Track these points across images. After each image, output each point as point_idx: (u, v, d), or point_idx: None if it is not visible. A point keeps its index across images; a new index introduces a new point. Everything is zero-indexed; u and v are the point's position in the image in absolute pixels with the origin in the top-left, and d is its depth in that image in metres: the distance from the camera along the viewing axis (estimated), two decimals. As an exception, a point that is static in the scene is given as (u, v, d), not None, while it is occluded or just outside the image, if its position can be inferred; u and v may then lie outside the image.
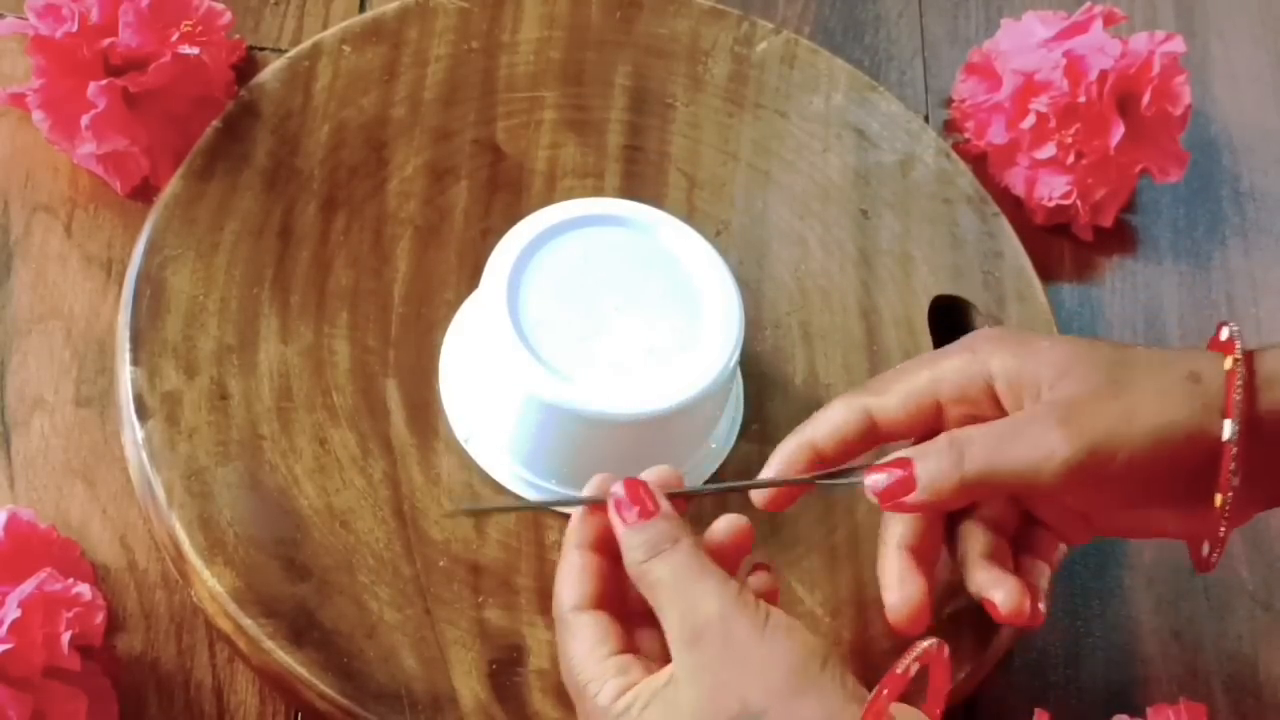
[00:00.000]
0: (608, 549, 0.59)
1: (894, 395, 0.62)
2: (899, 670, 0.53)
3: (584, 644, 0.57)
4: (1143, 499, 0.60)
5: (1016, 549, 0.64)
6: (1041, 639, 0.73)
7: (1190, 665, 0.73)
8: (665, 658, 0.56)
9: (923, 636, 0.54)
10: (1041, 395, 0.60)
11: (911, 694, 0.54)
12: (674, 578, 0.56)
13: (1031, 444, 0.58)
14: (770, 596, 0.59)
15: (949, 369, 0.61)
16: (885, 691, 0.53)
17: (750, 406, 0.72)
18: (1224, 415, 0.58)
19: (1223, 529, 0.60)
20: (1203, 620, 0.74)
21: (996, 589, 0.62)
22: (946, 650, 0.55)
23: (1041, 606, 0.63)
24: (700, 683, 0.54)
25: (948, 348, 0.63)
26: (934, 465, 0.59)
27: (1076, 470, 0.58)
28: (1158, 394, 0.59)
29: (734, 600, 0.55)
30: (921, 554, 0.63)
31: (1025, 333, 0.63)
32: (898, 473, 0.60)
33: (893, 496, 0.60)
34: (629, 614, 0.59)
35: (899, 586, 0.62)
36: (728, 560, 0.59)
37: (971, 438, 0.59)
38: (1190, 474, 0.59)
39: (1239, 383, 0.58)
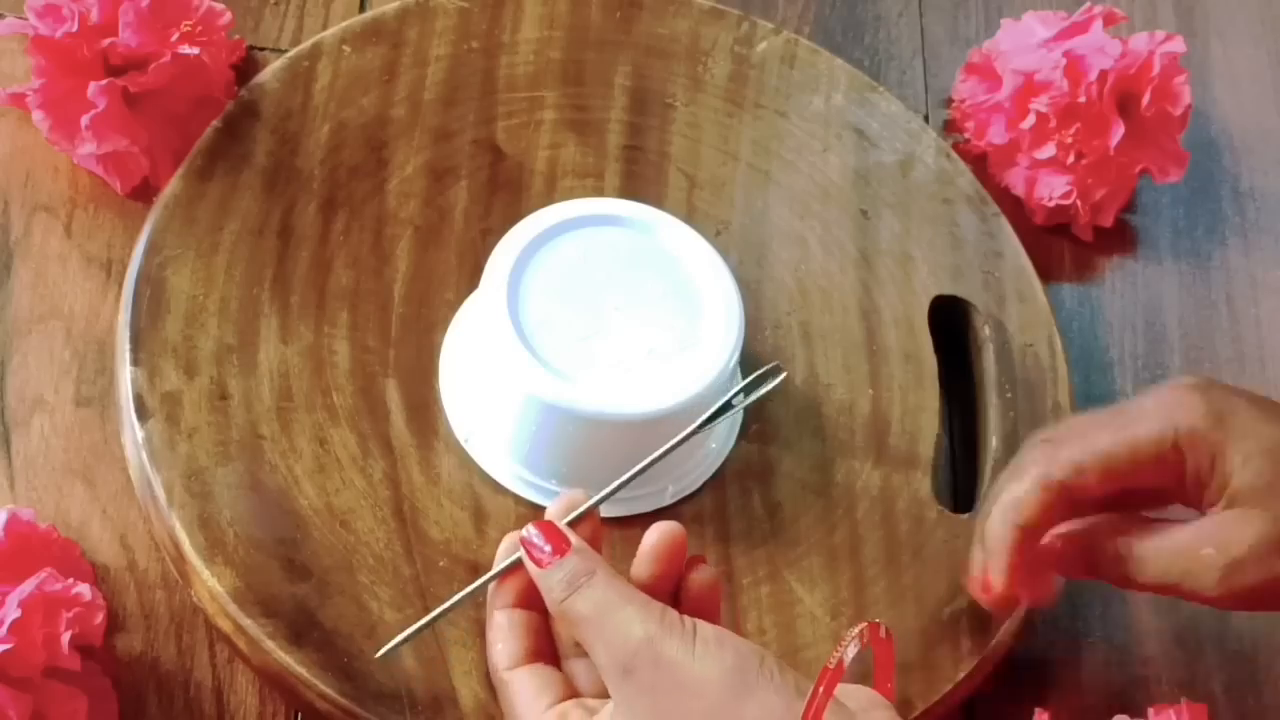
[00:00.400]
0: (529, 602, 0.60)
1: (1094, 475, 0.62)
2: (830, 665, 0.53)
3: (524, 701, 0.58)
4: None
5: None
6: (1041, 639, 0.73)
7: (1190, 666, 0.73)
8: (605, 689, 0.57)
9: (852, 625, 0.56)
10: (1218, 502, 0.61)
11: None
12: (596, 610, 0.57)
13: (1196, 583, 0.60)
14: (710, 592, 0.60)
15: (1146, 446, 0.61)
16: (822, 689, 0.53)
17: (750, 407, 0.72)
18: None
19: None
20: (1203, 620, 0.74)
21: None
22: (883, 628, 0.56)
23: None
24: (639, 713, 0.55)
25: (1138, 409, 0.62)
26: (1105, 569, 0.62)
27: (1234, 604, 0.61)
28: None
29: (658, 623, 0.55)
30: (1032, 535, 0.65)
31: (1225, 418, 0.61)
32: (1074, 547, 0.63)
33: (1066, 571, 0.64)
34: (564, 655, 0.60)
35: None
36: (667, 568, 0.60)
37: (1139, 560, 0.62)
38: None
39: None
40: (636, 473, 0.63)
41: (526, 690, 0.59)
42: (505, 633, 0.60)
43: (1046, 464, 0.62)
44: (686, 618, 0.56)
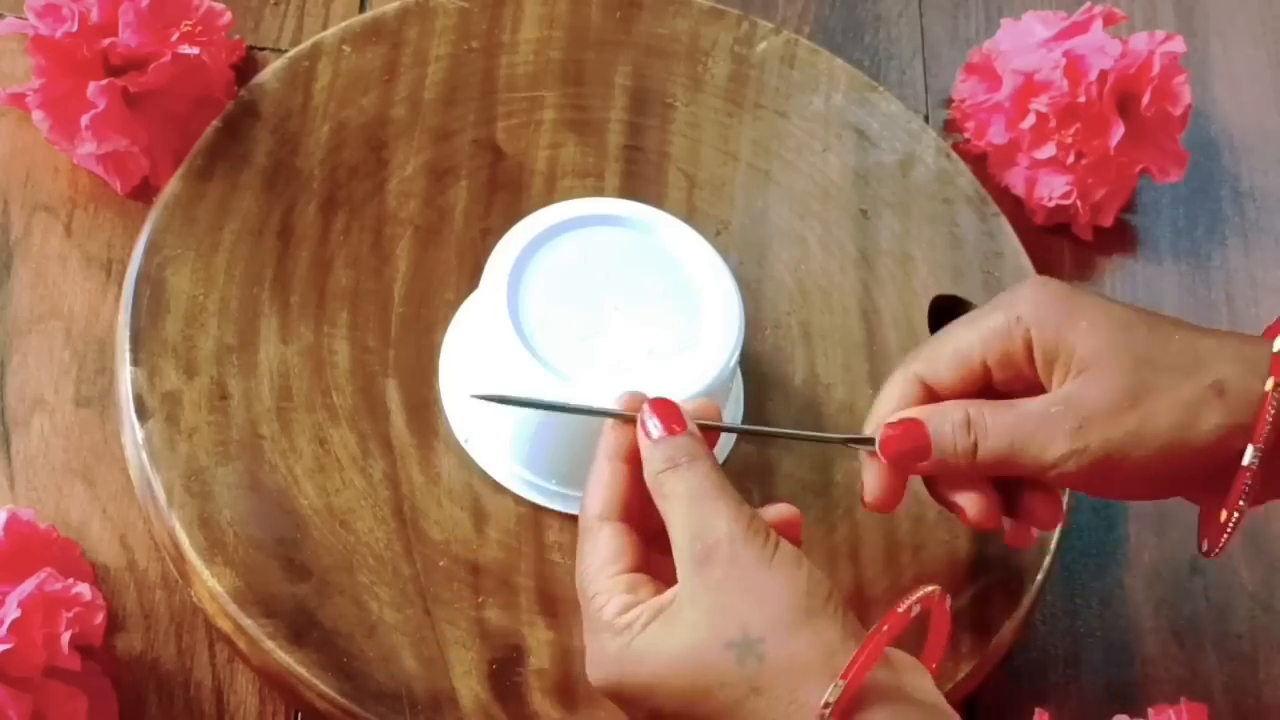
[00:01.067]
0: (638, 463, 0.59)
1: (943, 363, 0.63)
2: (900, 609, 0.54)
3: (600, 556, 0.57)
4: (1151, 493, 0.63)
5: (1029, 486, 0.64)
6: (1041, 639, 0.73)
7: (1190, 665, 0.73)
8: (675, 582, 0.57)
9: (927, 583, 0.56)
10: (1067, 377, 0.60)
11: (912, 647, 0.56)
12: (688, 494, 0.57)
13: (1043, 446, 0.60)
14: (790, 529, 0.59)
15: (992, 332, 0.62)
16: (886, 628, 0.53)
17: (750, 406, 0.72)
18: (1249, 438, 0.58)
19: (1224, 539, 0.60)
20: (1203, 620, 0.74)
21: (962, 496, 0.62)
22: (949, 600, 0.57)
23: (1036, 533, 0.64)
24: (702, 604, 0.55)
25: (992, 303, 0.63)
26: (950, 442, 0.61)
27: (1084, 475, 0.60)
28: (1176, 405, 0.59)
29: (745, 526, 0.56)
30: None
31: (1070, 298, 0.62)
32: (912, 434, 0.61)
33: (904, 460, 0.62)
34: (650, 533, 0.59)
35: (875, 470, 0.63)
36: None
37: (988, 427, 0.61)
38: (1202, 478, 0.60)
39: (1273, 410, 0.58)
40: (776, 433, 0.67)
41: (605, 548, 0.58)
42: (604, 481, 0.59)
43: (903, 366, 0.63)
44: (773, 532, 0.56)
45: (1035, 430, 0.60)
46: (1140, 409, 0.59)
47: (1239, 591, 0.75)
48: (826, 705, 0.52)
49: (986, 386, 0.63)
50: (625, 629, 0.55)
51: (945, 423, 0.61)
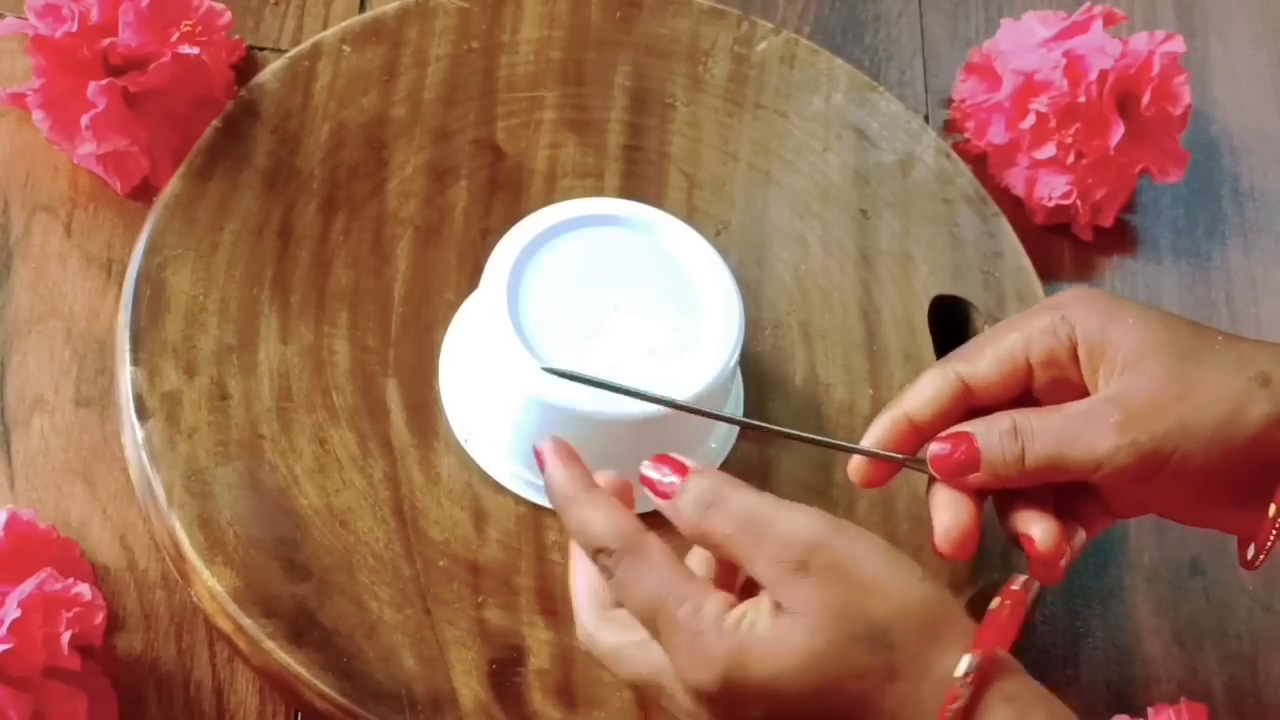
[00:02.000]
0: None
1: (985, 360, 0.62)
2: (1015, 587, 0.55)
3: (667, 566, 0.55)
4: (1197, 497, 0.61)
5: (1061, 509, 0.63)
6: (1041, 639, 0.73)
7: (1190, 665, 0.73)
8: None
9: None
10: (1113, 375, 0.60)
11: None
12: (744, 526, 0.55)
13: (1089, 443, 0.59)
14: None
15: (1038, 330, 0.62)
16: (1009, 602, 0.54)
17: (750, 406, 0.72)
18: None
19: (1272, 538, 0.60)
20: (1203, 620, 0.74)
21: (1035, 525, 0.61)
22: (1034, 590, 0.56)
23: (1062, 564, 0.63)
24: (814, 610, 0.53)
25: (1036, 307, 0.64)
26: (998, 452, 0.60)
27: (1130, 472, 0.59)
28: (1222, 396, 0.59)
29: (825, 522, 0.54)
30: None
31: (1115, 300, 0.63)
32: (961, 447, 0.61)
33: (954, 473, 0.61)
34: None
35: (950, 509, 0.62)
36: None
37: (1034, 431, 0.60)
38: (1249, 477, 0.59)
39: None
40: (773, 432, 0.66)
41: (664, 557, 0.55)
42: (609, 506, 0.57)
43: (940, 363, 0.63)
44: (848, 522, 0.55)
45: (1081, 428, 0.60)
46: (1186, 401, 0.59)
47: (1239, 591, 0.75)
48: (966, 674, 0.52)
49: (1026, 391, 0.62)
50: (735, 628, 0.54)
51: (992, 431, 0.61)
